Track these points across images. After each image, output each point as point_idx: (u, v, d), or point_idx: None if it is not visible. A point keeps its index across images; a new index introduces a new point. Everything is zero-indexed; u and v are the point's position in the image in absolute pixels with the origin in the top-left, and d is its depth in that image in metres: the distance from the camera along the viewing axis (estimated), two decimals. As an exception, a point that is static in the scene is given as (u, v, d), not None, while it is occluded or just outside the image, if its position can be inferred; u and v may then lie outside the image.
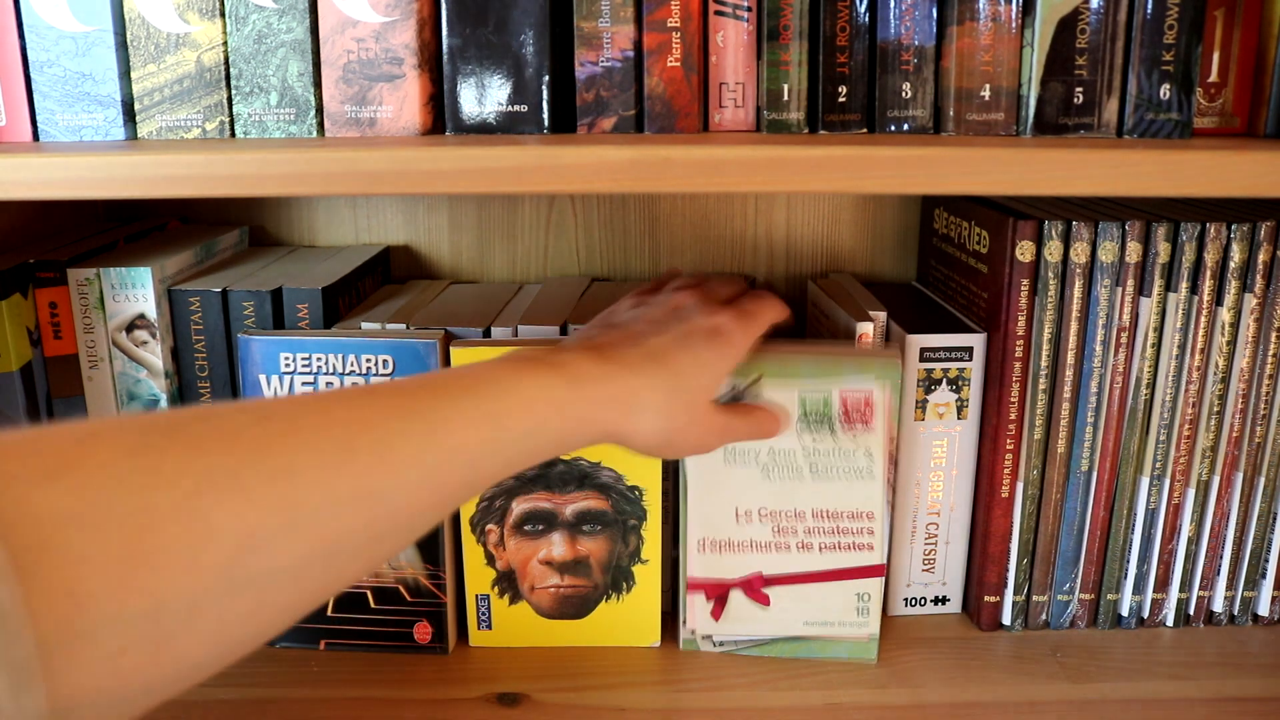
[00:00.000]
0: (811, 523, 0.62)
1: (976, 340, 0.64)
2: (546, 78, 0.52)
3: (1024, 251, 0.61)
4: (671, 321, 0.52)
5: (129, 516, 0.28)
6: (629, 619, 0.65)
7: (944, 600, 0.69)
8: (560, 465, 0.62)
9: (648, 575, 0.64)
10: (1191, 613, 0.68)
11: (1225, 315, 0.62)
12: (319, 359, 0.60)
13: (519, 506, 0.63)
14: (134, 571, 0.28)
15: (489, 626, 0.65)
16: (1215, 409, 0.63)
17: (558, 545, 0.63)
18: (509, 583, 0.64)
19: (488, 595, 0.65)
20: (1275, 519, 0.66)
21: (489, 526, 0.63)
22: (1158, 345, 0.62)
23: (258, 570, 0.31)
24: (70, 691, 0.27)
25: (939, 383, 0.65)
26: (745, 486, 0.62)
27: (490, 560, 0.64)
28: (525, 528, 0.63)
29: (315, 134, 0.53)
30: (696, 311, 0.53)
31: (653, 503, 0.63)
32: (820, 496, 0.62)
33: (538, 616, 0.65)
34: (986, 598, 0.67)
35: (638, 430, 0.48)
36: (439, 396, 0.40)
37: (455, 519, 0.64)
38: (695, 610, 0.64)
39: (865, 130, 0.54)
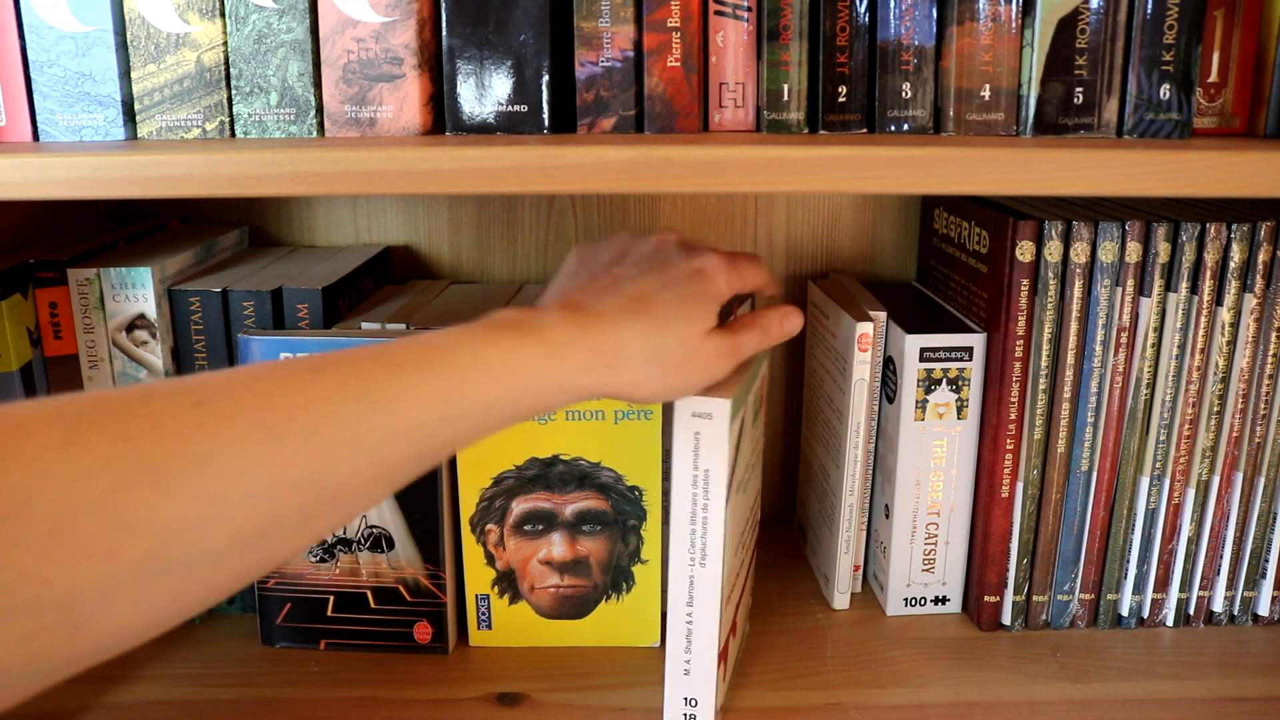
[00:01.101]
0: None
1: (976, 340, 0.64)
2: (546, 78, 0.52)
3: (1024, 251, 0.61)
4: (652, 265, 0.50)
5: (49, 509, 0.29)
6: (629, 619, 0.65)
7: (944, 600, 0.69)
8: (560, 465, 0.62)
9: (648, 575, 0.64)
10: (1191, 613, 0.68)
11: (1225, 315, 0.62)
12: (319, 359, 0.60)
13: (519, 506, 0.63)
14: (51, 562, 0.28)
15: (489, 626, 0.65)
16: (1215, 409, 0.63)
17: (558, 545, 0.63)
18: (509, 583, 0.64)
19: (488, 595, 0.65)
20: (1275, 519, 0.66)
21: (489, 526, 0.63)
22: (1158, 345, 0.62)
23: (177, 559, 0.31)
24: None
25: (939, 383, 0.65)
26: (739, 512, 0.57)
27: (490, 560, 0.64)
28: (525, 528, 0.63)
29: (315, 134, 0.53)
30: (678, 253, 0.50)
31: (653, 503, 0.63)
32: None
33: (538, 616, 0.65)
34: (986, 598, 0.67)
35: (628, 382, 0.46)
36: (390, 371, 0.38)
37: (455, 519, 0.64)
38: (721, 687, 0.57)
39: (865, 130, 0.54)
